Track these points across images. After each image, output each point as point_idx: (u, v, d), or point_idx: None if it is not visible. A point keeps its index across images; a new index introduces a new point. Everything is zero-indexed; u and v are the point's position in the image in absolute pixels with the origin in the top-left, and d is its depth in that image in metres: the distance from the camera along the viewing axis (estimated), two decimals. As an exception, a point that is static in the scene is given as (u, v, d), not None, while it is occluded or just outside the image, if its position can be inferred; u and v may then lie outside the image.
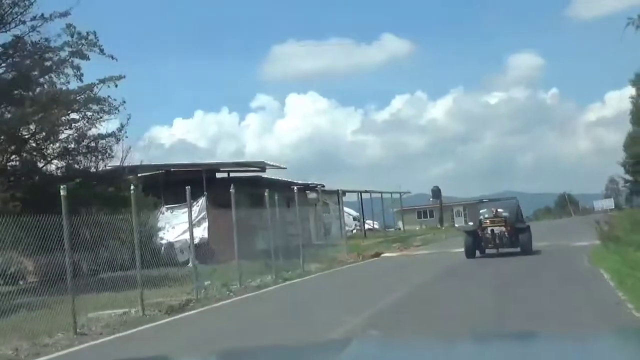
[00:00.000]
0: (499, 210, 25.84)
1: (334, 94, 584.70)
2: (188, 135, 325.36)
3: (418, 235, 50.68)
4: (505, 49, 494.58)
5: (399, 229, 79.70)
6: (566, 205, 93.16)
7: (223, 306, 18.04)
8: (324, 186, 45.74)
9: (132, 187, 17.70)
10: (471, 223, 70.85)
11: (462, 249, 27.42)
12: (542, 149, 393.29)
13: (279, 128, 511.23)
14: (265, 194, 25.73)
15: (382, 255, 30.58)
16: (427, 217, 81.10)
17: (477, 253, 25.94)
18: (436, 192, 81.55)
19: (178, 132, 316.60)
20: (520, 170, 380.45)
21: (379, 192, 54.80)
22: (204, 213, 33.46)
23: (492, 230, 24.98)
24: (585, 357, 2.89)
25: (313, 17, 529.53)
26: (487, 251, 25.96)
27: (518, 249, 25.08)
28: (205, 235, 32.93)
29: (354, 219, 73.76)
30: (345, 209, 67.56)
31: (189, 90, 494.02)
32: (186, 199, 33.43)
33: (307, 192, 53.70)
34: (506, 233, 24.97)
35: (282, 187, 41.77)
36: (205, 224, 33.24)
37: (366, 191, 52.93)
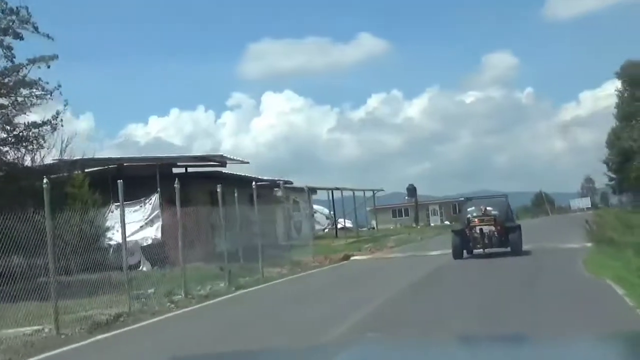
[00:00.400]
0: (488, 208, 24.24)
1: (310, 93, 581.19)
2: (164, 133, 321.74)
3: (392, 235, 47.89)
4: (481, 49, 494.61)
5: (373, 228, 77.18)
6: (543, 204, 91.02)
7: (158, 323, 15.03)
8: (291, 182, 42.74)
9: (45, 181, 14.58)
10: (447, 222, 68.32)
11: (441, 252, 25.88)
12: (518, 148, 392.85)
13: (255, 126, 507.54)
14: (218, 189, 22.71)
15: (352, 258, 27.62)
16: (402, 216, 78.48)
17: (465, 254, 24.41)
18: (411, 191, 79.04)
19: (153, 129, 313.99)
20: (496, 169, 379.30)
21: (351, 190, 51.81)
22: (157, 211, 30.40)
23: (481, 230, 23.52)
24: None
25: (290, 15, 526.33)
26: (475, 251, 24.42)
27: (508, 249, 23.75)
28: (159, 235, 29.86)
29: (327, 217, 71.35)
30: (318, 207, 65.00)
31: (165, 88, 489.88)
32: (139, 196, 30.61)
33: (276, 189, 50.79)
34: (496, 233, 23.54)
35: (246, 184, 38.92)
36: (159, 223, 30.16)
37: (337, 188, 49.96)
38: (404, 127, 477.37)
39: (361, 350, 3.35)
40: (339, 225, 65.16)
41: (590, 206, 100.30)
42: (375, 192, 53.44)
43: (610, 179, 55.83)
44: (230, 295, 19.05)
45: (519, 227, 24.60)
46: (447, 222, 72.52)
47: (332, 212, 66.94)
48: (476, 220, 23.69)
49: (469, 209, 24.99)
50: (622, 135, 47.21)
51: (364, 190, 52.10)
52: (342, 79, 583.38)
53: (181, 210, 21.35)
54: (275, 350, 4.62)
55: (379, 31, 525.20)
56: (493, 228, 23.44)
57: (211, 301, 18.07)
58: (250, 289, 20.35)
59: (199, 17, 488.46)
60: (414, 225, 69.15)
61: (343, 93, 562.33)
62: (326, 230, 60.83)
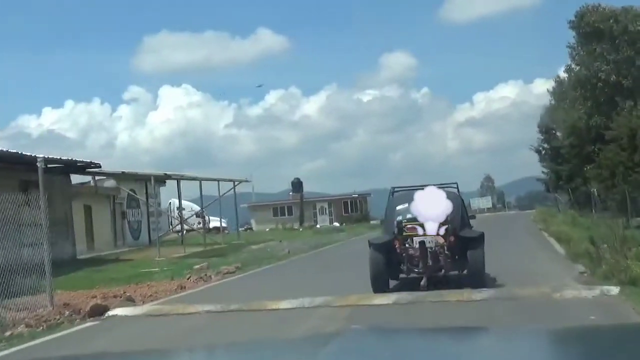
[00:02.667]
0: None
1: (208, 87, 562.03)
2: (57, 125, 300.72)
3: (257, 242, 33.47)
4: (379, 48, 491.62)
5: (250, 228, 63.27)
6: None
7: None
8: (99, 165, 27.54)
9: None
10: (337, 223, 54.78)
11: (307, 301, 12.35)
12: (414, 146, 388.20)
13: (151, 120, 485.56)
14: None
15: (112, 313, 12.53)
16: (284, 215, 64.08)
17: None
18: (296, 185, 65.20)
19: (47, 121, 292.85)
20: (391, 168, 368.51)
21: (192, 179, 36.74)
22: None
23: (422, 243, 12.79)
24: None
25: (187, 7, 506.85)
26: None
27: (463, 272, 13.49)
28: None
29: (197, 215, 58.02)
30: (188, 203, 51.61)
31: (60, 79, 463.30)
32: None
33: (102, 178, 35.49)
34: (445, 247, 13.00)
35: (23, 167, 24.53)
36: None
37: (167, 176, 34.43)
38: (301, 125, 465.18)
39: (348, 342, 2.99)
40: (212, 225, 52.06)
41: (490, 206, 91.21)
42: (236, 183, 38.54)
43: (547, 173, 42.65)
44: None
45: (481, 237, 13.35)
46: (336, 224, 58.80)
47: (202, 210, 53.66)
48: (412, 226, 13.03)
49: (398, 207, 13.98)
50: (572, 109, 33.82)
51: (218, 180, 37.15)
52: (241, 75, 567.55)
53: None
54: (261, 343, 3.90)
55: (278, 27, 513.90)
56: (441, 240, 12.91)
57: None
58: None
59: (94, 6, 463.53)
60: (297, 227, 55.26)
61: (241, 88, 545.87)
62: (184, 233, 46.53)
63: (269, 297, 12.83)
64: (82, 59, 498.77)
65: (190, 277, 17.74)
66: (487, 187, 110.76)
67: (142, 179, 35.23)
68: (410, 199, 13.61)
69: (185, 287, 15.63)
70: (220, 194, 38.40)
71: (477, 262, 13.07)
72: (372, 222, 52.30)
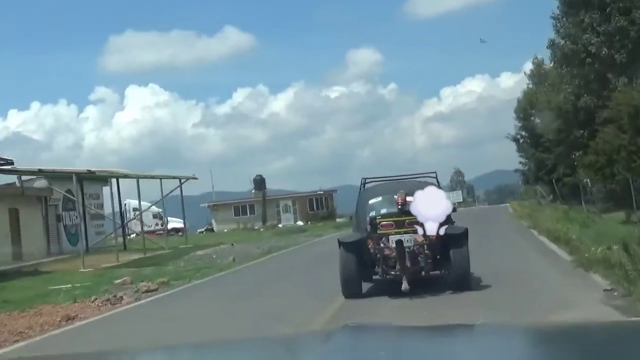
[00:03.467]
0: (408, 199, 10.88)
1: (175, 87, 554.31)
2: (24, 127, 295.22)
3: (206, 246, 29.44)
4: (345, 44, 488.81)
5: (210, 229, 59.26)
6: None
7: None
8: (10, 162, 23.27)
9: None
10: (301, 222, 52.33)
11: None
12: (382, 143, 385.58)
13: (118, 121, 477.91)
14: None
15: None
16: (246, 214, 59.88)
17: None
18: (259, 183, 61.11)
19: (13, 124, 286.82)
20: (360, 164, 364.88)
21: (124, 176, 32.31)
22: None
23: (399, 243, 10.75)
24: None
25: (153, 7, 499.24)
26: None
27: (445, 272, 11.39)
28: None
29: (154, 216, 54.04)
30: (144, 203, 47.39)
31: (25, 80, 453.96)
32: None
33: (34, 178, 31.19)
34: (425, 246, 10.92)
35: None
36: None
37: (97, 172, 29.48)
38: (269, 122, 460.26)
39: (345, 339, 2.86)
40: (170, 227, 48.15)
41: (461, 200, 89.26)
42: (183, 181, 34.15)
43: (524, 163, 39.13)
44: None
45: (465, 233, 11.23)
46: (300, 223, 54.85)
47: (161, 211, 49.76)
48: (388, 221, 11.18)
49: (371, 201, 12.17)
50: (555, 90, 30.21)
51: (160, 178, 32.87)
52: (208, 73, 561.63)
53: None
54: (255, 340, 3.63)
55: (244, 25, 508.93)
56: (421, 238, 10.84)
57: None
58: None
59: (58, 6, 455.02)
60: (257, 227, 51.26)
61: (209, 87, 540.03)
62: (132, 235, 42.61)
63: (176, 334, 8.92)
64: (48, 59, 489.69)
65: (96, 299, 13.69)
66: (457, 181, 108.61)
67: (64, 177, 30.53)
68: (384, 192, 12.18)
69: (74, 318, 11.56)
70: (181, 193, 34.37)
71: (461, 262, 11.19)
72: (338, 220, 48.47)
